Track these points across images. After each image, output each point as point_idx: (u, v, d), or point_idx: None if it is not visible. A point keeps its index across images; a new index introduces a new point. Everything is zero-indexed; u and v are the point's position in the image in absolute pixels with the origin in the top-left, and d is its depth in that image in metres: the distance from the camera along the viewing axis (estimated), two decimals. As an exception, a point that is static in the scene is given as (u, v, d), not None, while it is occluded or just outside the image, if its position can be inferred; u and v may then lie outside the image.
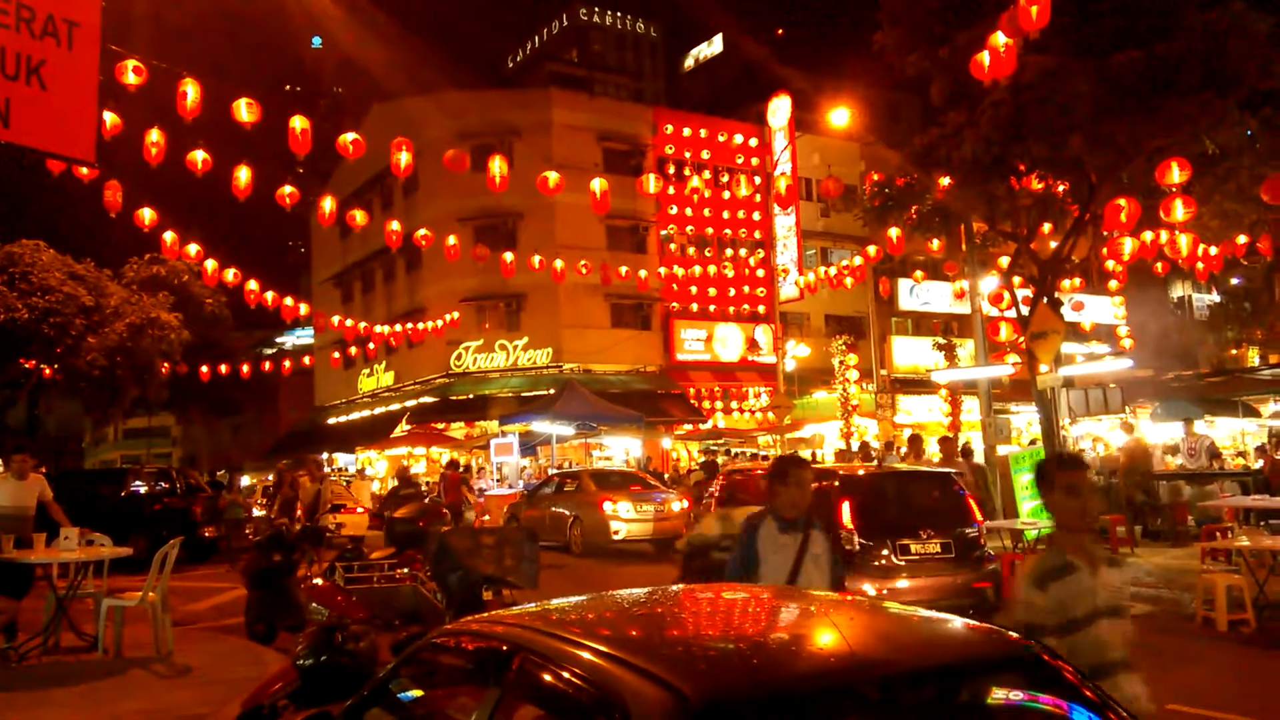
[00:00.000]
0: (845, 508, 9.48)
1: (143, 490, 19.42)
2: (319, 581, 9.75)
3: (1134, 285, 26.76)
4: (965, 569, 9.35)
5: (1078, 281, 22.86)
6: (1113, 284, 22.46)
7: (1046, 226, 17.16)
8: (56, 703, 7.08)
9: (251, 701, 4.93)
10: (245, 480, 35.61)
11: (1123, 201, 13.23)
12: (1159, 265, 19.00)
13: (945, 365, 26.93)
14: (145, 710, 6.82)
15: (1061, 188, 15.98)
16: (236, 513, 18.34)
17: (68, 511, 10.19)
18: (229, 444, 55.21)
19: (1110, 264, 18.27)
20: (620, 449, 31.22)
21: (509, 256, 21.01)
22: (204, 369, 30.10)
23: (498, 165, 14.91)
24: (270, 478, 22.52)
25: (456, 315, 31.28)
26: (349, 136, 13.50)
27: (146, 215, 15.81)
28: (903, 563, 9.24)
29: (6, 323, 20.20)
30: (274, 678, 5.09)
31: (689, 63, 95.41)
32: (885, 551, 9.24)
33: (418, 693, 3.44)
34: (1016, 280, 17.53)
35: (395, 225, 18.63)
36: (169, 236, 17.41)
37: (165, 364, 25.84)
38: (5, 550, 8.64)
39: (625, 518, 17.23)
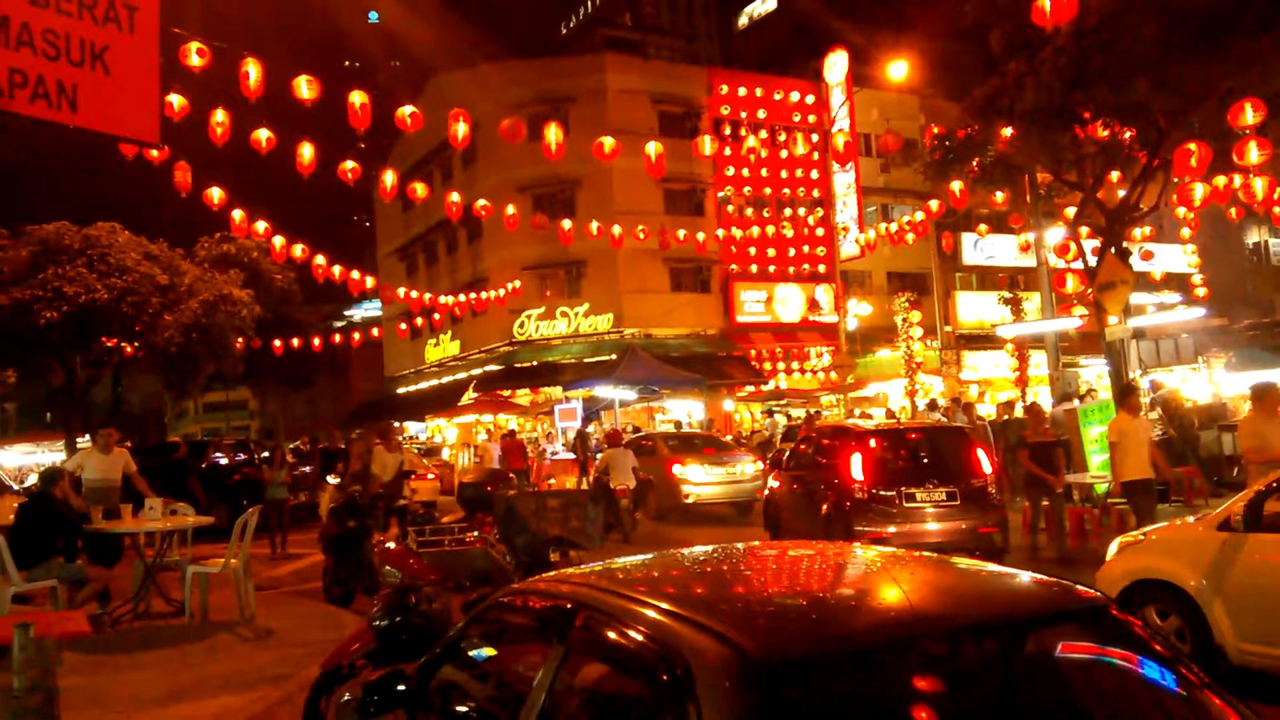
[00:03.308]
0: (854, 459, 10.60)
1: (223, 461, 19.98)
2: (391, 545, 9.99)
3: (1207, 232, 25.92)
4: (971, 515, 10.26)
5: (1147, 230, 22.20)
6: (1184, 231, 21.80)
7: (1114, 175, 16.69)
8: (148, 665, 7.40)
9: (331, 662, 5.11)
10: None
11: (1193, 146, 12.80)
12: (1233, 211, 18.36)
13: (1011, 319, 26.43)
14: (231, 671, 7.09)
15: (1128, 134, 15.51)
16: (278, 492, 15.23)
17: (151, 483, 10.58)
18: (304, 415, 56.53)
19: (1181, 211, 17.70)
20: (682, 412, 31.28)
21: (568, 224, 21.04)
22: (276, 343, 30.77)
23: (553, 133, 14.89)
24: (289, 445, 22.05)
25: (518, 284, 31.49)
26: (407, 110, 13.57)
27: (215, 194, 16.14)
28: (908, 509, 10.25)
29: (88, 303, 20.83)
30: (352, 639, 5.25)
31: (743, 21, 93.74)
32: (891, 499, 10.26)
33: (487, 650, 3.54)
34: (1083, 231, 17.12)
35: (455, 197, 18.75)
36: (238, 215, 17.71)
37: (239, 339, 26.45)
38: (95, 521, 9.01)
39: (695, 481, 17.07)
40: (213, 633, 8.54)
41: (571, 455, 23.44)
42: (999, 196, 19.26)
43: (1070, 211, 18.42)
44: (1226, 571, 6.00)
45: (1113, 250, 15.07)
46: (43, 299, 20.65)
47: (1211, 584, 6.03)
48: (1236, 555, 5.99)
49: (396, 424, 17.54)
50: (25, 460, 35.35)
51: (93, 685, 6.69)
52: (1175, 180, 15.42)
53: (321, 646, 7.00)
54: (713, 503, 17.36)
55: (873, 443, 11.11)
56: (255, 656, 7.62)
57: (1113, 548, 7.16)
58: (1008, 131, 14.93)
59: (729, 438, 26.52)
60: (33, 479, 15.43)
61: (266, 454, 20.36)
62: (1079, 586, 2.97)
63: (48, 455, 33.24)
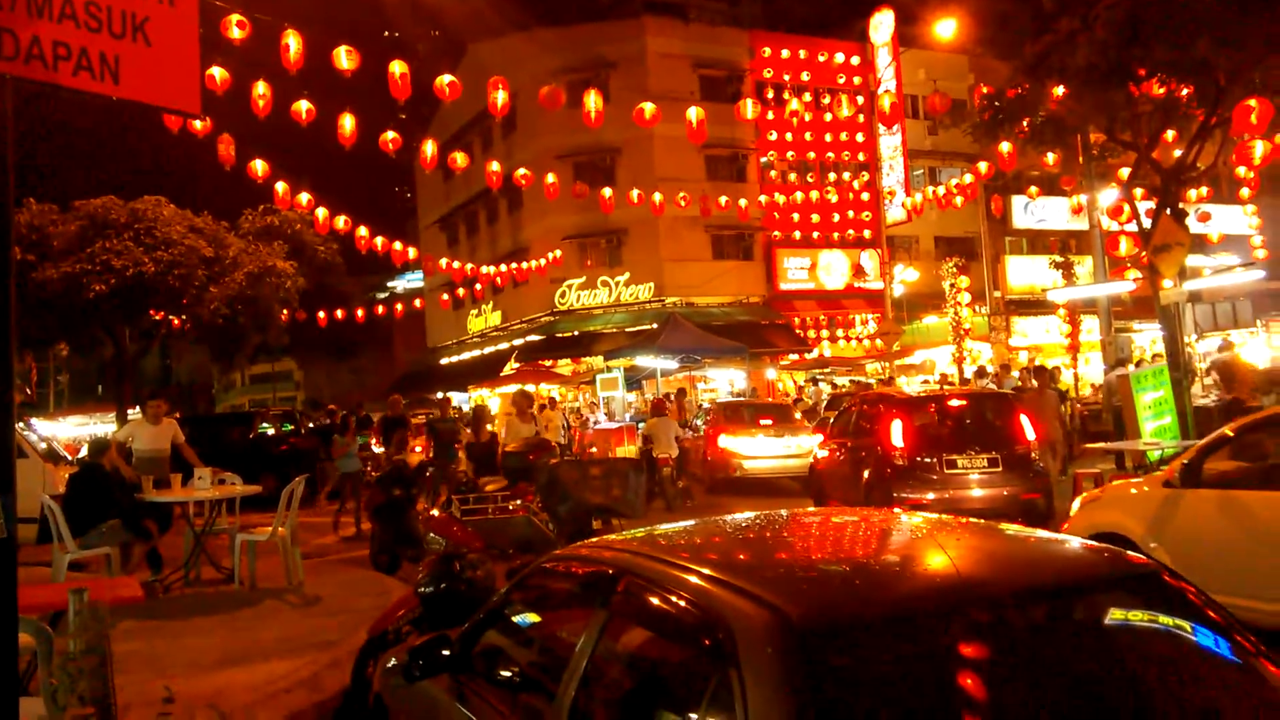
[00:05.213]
0: (895, 426, 10.66)
1: (269, 432, 20.31)
2: (436, 513, 10.10)
3: (1268, 192, 25.19)
4: (1014, 482, 10.34)
5: (1204, 191, 21.58)
6: (1244, 192, 21.17)
7: (1169, 134, 16.22)
8: (200, 630, 7.55)
9: (377, 627, 5.19)
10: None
11: (1253, 102, 12.36)
12: (1294, 169, 17.81)
13: (1063, 284, 25.93)
14: (281, 637, 7.22)
15: (1185, 92, 15.02)
16: (350, 464, 13.78)
17: (200, 453, 10.77)
18: (348, 386, 57.32)
19: (1240, 170, 17.18)
20: (724, 381, 31.19)
21: (608, 192, 20.94)
22: (321, 314, 31.15)
23: (593, 100, 14.79)
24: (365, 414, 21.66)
25: (559, 253, 31.48)
26: (446, 79, 13.54)
27: (259, 167, 16.27)
28: (949, 476, 10.34)
29: (134, 277, 21.14)
30: (397, 605, 5.33)
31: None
32: (932, 465, 10.36)
33: (530, 615, 3.55)
34: (1138, 192, 16.66)
35: (495, 166, 18.72)
36: (281, 187, 17.85)
37: (284, 311, 26.78)
38: (146, 491, 9.19)
39: (745, 453, 16.42)
40: (261, 599, 8.70)
41: (616, 425, 23.45)
42: (1050, 158, 18.78)
43: (1124, 172, 17.97)
44: (1167, 525, 6.47)
45: (1168, 211, 14.63)
46: (92, 272, 21.00)
47: (1154, 537, 6.47)
48: (1175, 510, 6.47)
49: (530, 390, 16.73)
50: (79, 431, 36.19)
51: (147, 650, 6.85)
52: (1234, 138, 14.95)
53: (368, 613, 7.10)
54: (764, 475, 16.42)
55: (914, 410, 11.19)
56: (303, 622, 7.75)
57: (1075, 504, 7.64)
58: (1059, 90, 14.52)
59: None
60: (85, 451, 15.71)
61: (328, 421, 20.00)
62: (1129, 553, 2.91)
63: (99, 427, 33.97)
